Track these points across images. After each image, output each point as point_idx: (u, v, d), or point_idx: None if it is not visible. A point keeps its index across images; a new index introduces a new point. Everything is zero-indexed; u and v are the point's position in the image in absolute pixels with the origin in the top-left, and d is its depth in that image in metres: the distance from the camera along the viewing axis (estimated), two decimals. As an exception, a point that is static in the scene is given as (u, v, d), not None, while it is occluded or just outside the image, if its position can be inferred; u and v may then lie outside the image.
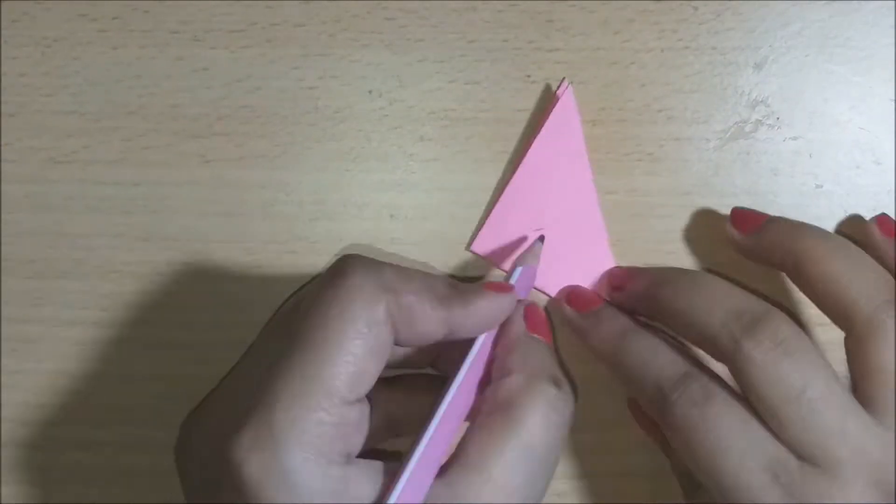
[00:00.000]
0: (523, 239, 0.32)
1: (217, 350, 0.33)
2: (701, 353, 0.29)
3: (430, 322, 0.26)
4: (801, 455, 0.26)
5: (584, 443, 0.33)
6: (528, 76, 0.32)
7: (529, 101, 0.32)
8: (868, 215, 0.32)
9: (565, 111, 0.31)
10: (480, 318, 0.27)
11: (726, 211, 0.32)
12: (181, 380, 0.34)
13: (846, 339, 0.28)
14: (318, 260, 0.33)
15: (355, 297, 0.25)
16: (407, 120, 0.33)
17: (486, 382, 0.28)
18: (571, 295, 0.32)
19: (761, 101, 0.32)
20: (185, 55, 0.33)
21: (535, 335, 0.28)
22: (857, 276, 0.28)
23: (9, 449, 0.34)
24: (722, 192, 0.32)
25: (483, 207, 0.33)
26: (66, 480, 0.34)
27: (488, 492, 0.24)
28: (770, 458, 0.26)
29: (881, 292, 0.28)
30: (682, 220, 0.32)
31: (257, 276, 0.33)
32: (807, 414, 0.26)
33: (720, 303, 0.28)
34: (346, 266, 0.26)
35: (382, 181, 0.33)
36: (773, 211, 0.32)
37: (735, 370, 0.27)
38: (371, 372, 0.25)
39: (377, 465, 0.25)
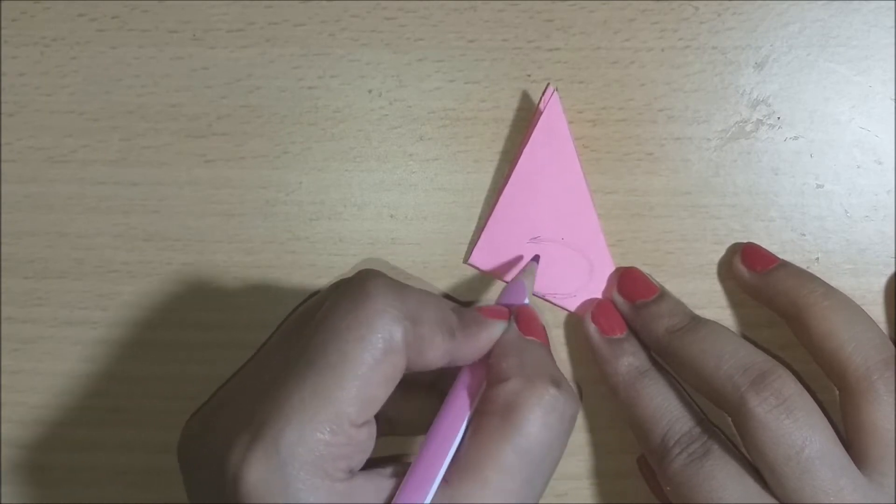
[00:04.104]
0: (520, 249, 0.32)
1: (217, 350, 0.33)
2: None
3: (438, 353, 0.26)
4: None
5: (584, 443, 0.33)
6: (529, 76, 0.32)
7: (529, 101, 0.32)
8: (868, 215, 0.32)
9: (552, 118, 0.31)
10: (481, 348, 0.28)
11: (727, 211, 0.32)
12: (181, 380, 0.34)
13: (840, 396, 0.29)
14: (318, 260, 0.33)
15: (376, 323, 0.25)
16: (407, 120, 0.33)
17: (479, 385, 0.27)
18: (596, 312, 0.32)
19: (762, 101, 0.32)
20: (184, 55, 0.33)
21: (530, 337, 0.28)
22: (853, 336, 0.29)
23: (9, 449, 0.34)
24: (722, 192, 0.32)
25: (482, 207, 0.33)
26: (66, 480, 0.34)
27: (485, 496, 0.24)
28: None
29: (877, 352, 0.29)
30: (682, 220, 0.32)
31: (257, 276, 0.33)
32: (803, 472, 0.27)
33: (728, 355, 0.29)
34: (369, 286, 0.25)
35: (382, 181, 0.33)
36: (773, 210, 0.32)
37: (737, 422, 0.28)
38: (381, 397, 0.25)
39: (381, 473, 0.25)
